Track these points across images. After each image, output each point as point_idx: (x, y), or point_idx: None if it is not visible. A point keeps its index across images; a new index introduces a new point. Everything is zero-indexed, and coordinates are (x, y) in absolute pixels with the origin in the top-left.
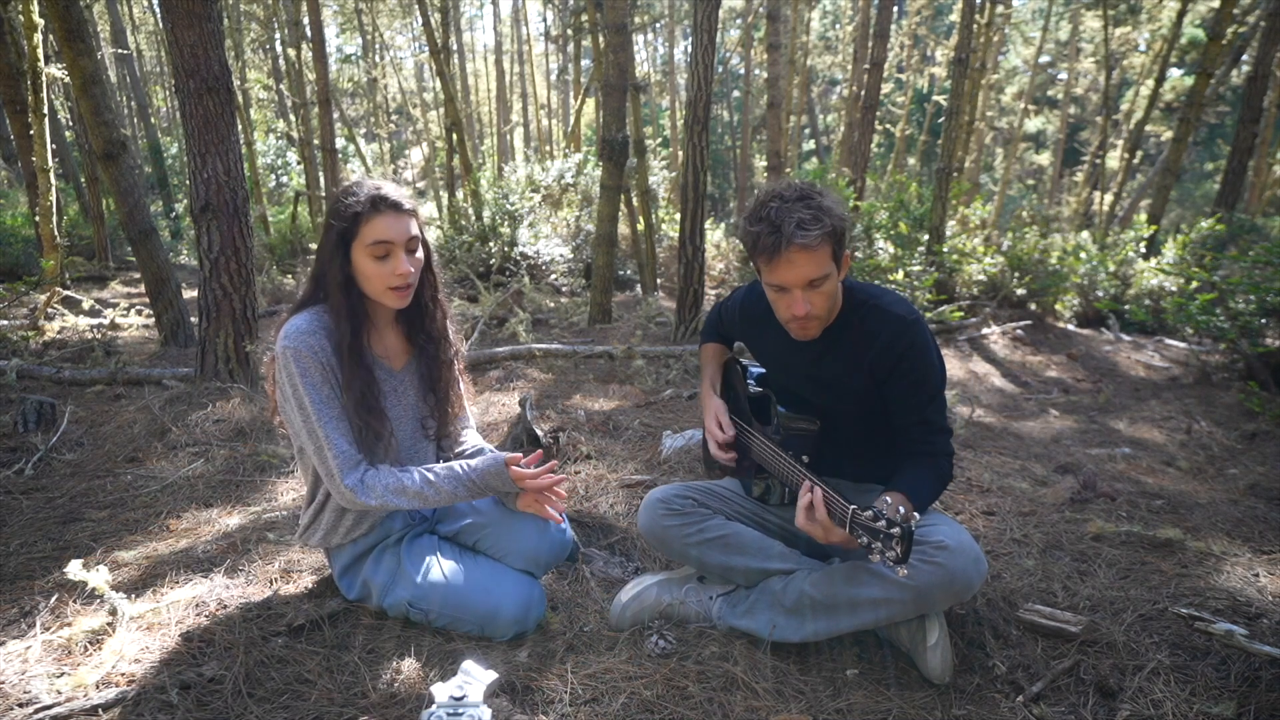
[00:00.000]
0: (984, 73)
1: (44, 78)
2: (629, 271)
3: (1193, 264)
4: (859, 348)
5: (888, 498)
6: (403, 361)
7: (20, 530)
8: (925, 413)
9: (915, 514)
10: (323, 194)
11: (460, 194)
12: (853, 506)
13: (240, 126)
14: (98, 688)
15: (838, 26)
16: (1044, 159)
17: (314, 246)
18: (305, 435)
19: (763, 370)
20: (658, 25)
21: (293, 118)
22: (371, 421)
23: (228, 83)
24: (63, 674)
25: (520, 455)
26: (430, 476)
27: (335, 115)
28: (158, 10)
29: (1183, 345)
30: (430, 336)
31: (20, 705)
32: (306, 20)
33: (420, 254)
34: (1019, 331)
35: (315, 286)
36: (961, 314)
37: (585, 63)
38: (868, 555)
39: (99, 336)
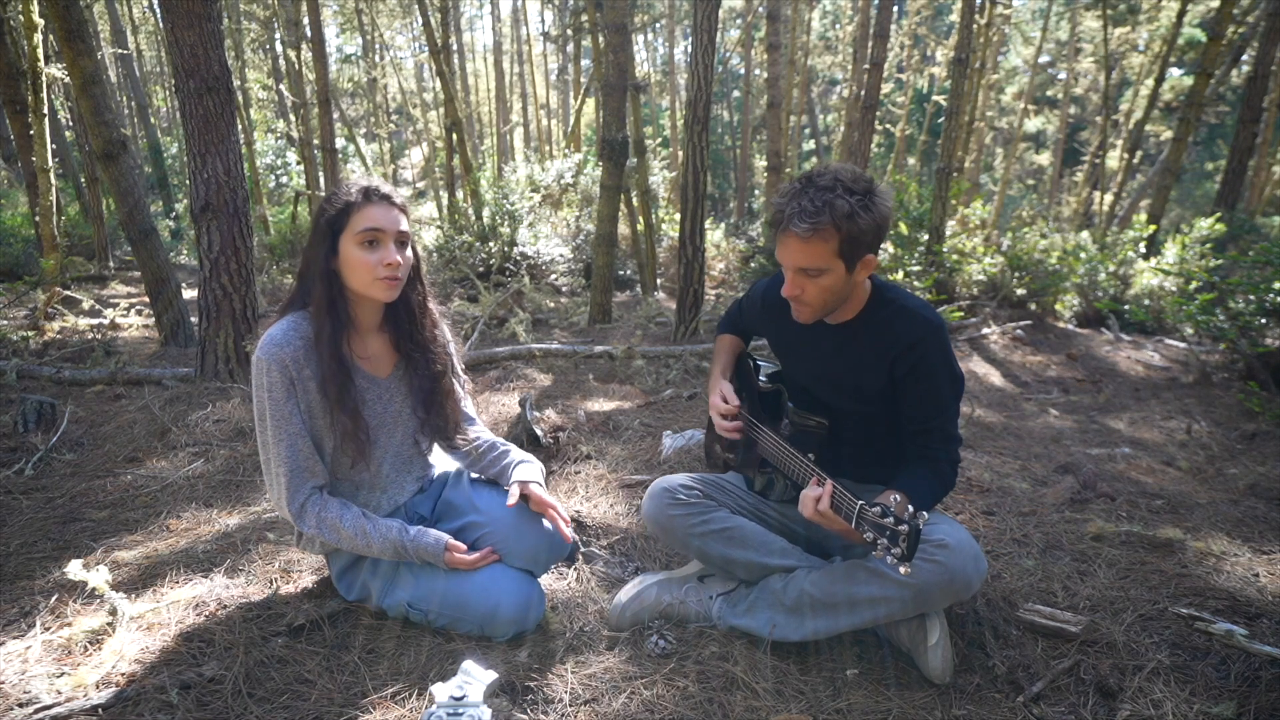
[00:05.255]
0: (984, 73)
1: (44, 78)
2: (629, 271)
3: (1193, 264)
4: (882, 345)
5: (894, 495)
6: (388, 369)
7: (20, 530)
8: (936, 420)
9: (924, 513)
10: (323, 194)
11: (460, 194)
12: (860, 502)
13: (240, 126)
14: (98, 688)
15: (838, 26)
16: (1044, 159)
17: None
18: (260, 446)
19: (776, 368)
20: (658, 25)
21: (293, 118)
22: (348, 425)
23: (228, 83)
24: (63, 674)
25: (464, 546)
26: (368, 528)
27: (335, 115)
28: (158, 10)
29: (1183, 345)
30: (418, 345)
31: (20, 705)
32: (306, 20)
33: (410, 253)
34: (1019, 331)
35: (301, 285)
36: (961, 314)
37: (585, 63)
38: (872, 551)
39: (99, 336)
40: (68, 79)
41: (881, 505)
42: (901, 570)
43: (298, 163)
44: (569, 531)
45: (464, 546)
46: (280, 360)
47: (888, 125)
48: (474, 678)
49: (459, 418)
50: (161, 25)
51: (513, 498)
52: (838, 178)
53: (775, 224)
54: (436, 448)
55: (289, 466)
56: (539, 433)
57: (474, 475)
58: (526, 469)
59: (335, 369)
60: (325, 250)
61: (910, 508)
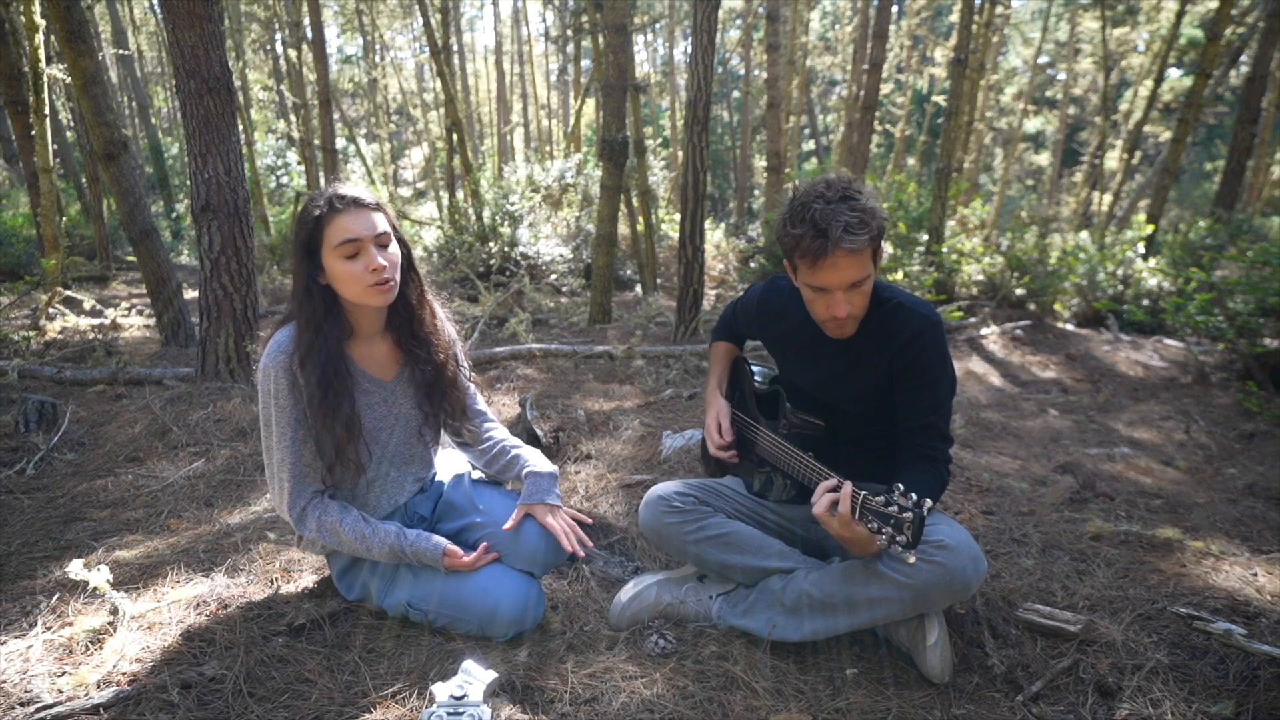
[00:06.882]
0: (983, 73)
1: (45, 78)
2: (629, 271)
3: (1189, 264)
4: (882, 343)
5: (898, 485)
6: (393, 371)
7: (21, 530)
8: (930, 417)
9: (928, 499)
10: None
11: (460, 194)
12: (863, 492)
13: (241, 127)
14: (99, 687)
15: (837, 27)
16: (1043, 159)
17: None
18: (265, 450)
19: (773, 370)
20: (658, 25)
21: (293, 118)
22: (344, 436)
23: (228, 83)
24: (64, 673)
25: (462, 553)
26: (367, 532)
27: (335, 115)
28: (158, 10)
29: (1181, 345)
30: (419, 339)
31: (21, 704)
32: (307, 21)
33: (395, 250)
34: (1018, 331)
35: (295, 299)
36: (961, 314)
37: (585, 63)
38: (876, 541)
39: (100, 336)
40: (69, 79)
41: (884, 494)
42: (909, 559)
43: (298, 163)
44: (575, 545)
45: (461, 553)
46: (286, 366)
47: (887, 125)
48: (474, 677)
49: (465, 407)
50: (162, 25)
51: (512, 522)
52: (844, 188)
53: (807, 253)
54: (443, 449)
55: (291, 471)
56: (539, 432)
57: (475, 476)
58: (537, 483)
59: (324, 389)
60: (310, 269)
61: (914, 495)
